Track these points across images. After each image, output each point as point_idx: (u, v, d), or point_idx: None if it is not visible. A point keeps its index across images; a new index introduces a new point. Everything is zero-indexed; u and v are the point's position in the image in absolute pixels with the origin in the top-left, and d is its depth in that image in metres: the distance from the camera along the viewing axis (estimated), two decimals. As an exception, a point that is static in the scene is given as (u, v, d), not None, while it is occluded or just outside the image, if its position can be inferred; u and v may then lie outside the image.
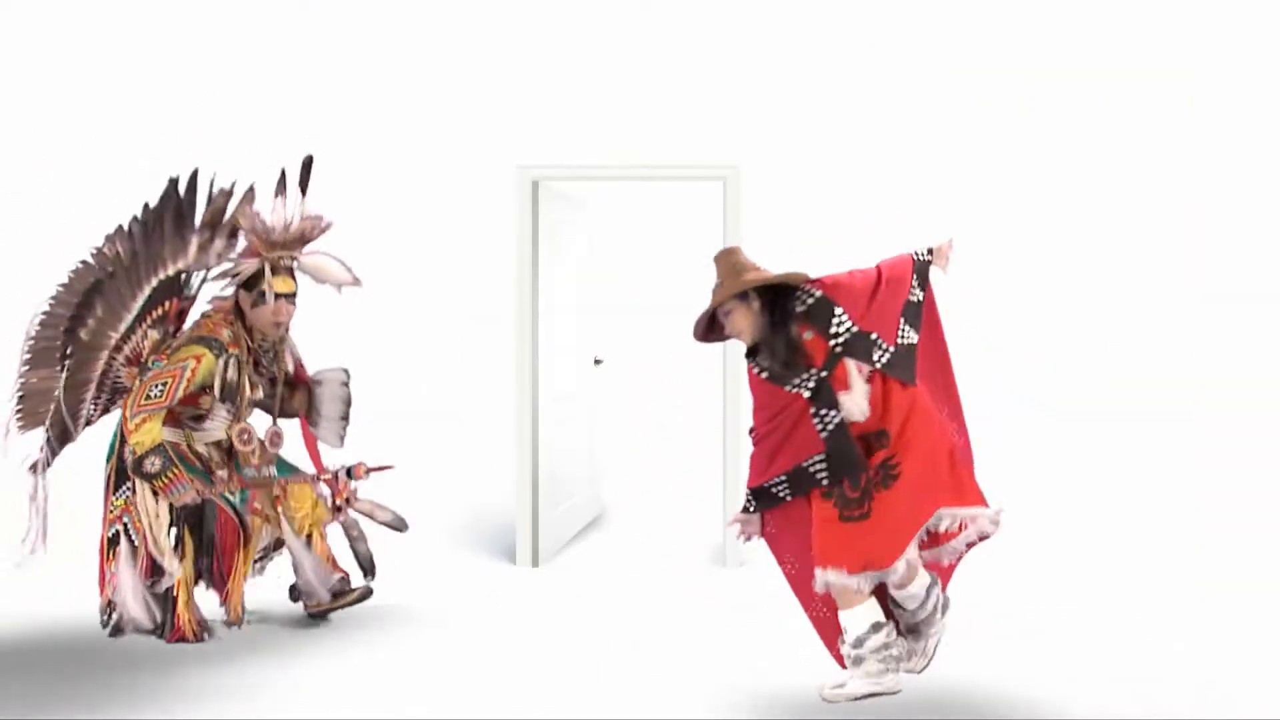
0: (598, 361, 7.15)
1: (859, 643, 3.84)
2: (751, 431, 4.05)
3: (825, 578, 3.77)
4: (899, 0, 6.26)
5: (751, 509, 4.07)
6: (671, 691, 4.00)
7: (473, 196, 6.50)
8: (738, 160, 5.93)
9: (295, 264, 4.56)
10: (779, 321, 3.95)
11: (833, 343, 3.88)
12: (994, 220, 6.16)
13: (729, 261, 4.03)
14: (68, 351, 4.34)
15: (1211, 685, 4.05)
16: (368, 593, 4.78)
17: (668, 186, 8.27)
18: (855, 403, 3.89)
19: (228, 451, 4.59)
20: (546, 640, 4.60)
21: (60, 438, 4.45)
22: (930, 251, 4.06)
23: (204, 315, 4.55)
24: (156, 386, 4.25)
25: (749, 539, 4.12)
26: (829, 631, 4.00)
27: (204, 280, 4.59)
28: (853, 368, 3.91)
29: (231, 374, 4.46)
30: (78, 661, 4.28)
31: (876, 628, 3.85)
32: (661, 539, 6.41)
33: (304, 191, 4.58)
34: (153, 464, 4.27)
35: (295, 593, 4.77)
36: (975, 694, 3.98)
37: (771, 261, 4.14)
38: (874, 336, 3.91)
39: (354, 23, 6.53)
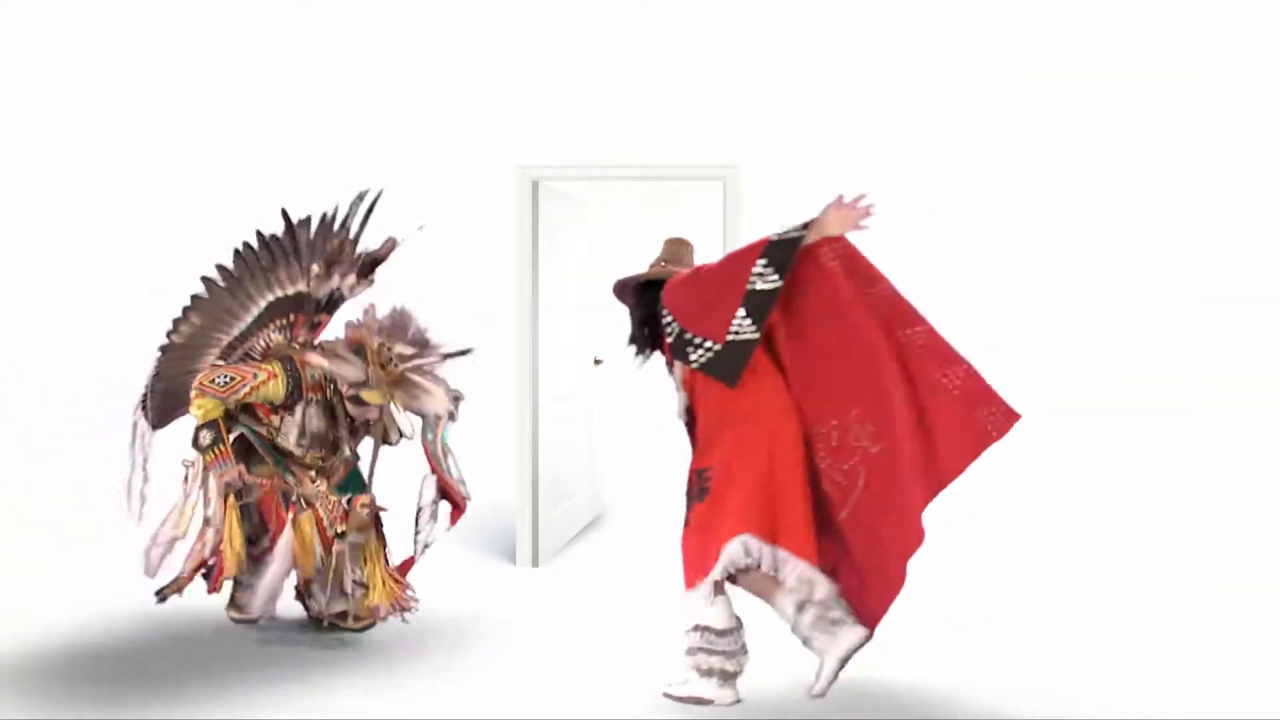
0: (598, 361, 7.15)
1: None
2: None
3: None
4: (899, 0, 6.26)
5: None
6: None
7: (473, 196, 6.50)
8: (738, 160, 5.93)
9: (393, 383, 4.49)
10: (642, 319, 4.04)
11: (670, 343, 3.89)
12: (994, 220, 6.17)
13: (665, 251, 4.18)
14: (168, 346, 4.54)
15: (1211, 685, 4.05)
16: (371, 624, 4.76)
17: (668, 186, 8.27)
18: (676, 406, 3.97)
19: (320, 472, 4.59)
20: (546, 640, 4.60)
21: (167, 407, 4.56)
22: (805, 226, 3.68)
23: (317, 344, 4.61)
24: (224, 376, 4.37)
25: None
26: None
27: (324, 303, 4.69)
28: (677, 370, 3.93)
29: (314, 418, 4.53)
30: (80, 659, 4.30)
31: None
32: (661, 539, 6.40)
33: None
34: (204, 437, 4.41)
35: (297, 593, 4.76)
36: (975, 694, 3.98)
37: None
38: (689, 335, 3.78)
39: (354, 23, 6.54)
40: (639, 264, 5.37)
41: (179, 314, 4.54)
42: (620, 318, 4.46)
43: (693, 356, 3.76)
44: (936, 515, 5.96)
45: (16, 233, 6.51)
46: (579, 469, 6.66)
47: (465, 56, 6.46)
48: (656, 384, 7.81)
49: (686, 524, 3.88)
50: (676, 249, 4.17)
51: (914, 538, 3.79)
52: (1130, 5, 6.21)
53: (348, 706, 3.89)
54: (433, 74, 6.48)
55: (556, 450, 6.20)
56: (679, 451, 7.68)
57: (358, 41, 6.54)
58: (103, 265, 6.51)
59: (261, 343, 4.60)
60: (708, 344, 3.72)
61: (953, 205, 6.16)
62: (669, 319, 3.84)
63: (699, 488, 3.82)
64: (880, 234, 5.07)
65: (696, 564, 3.80)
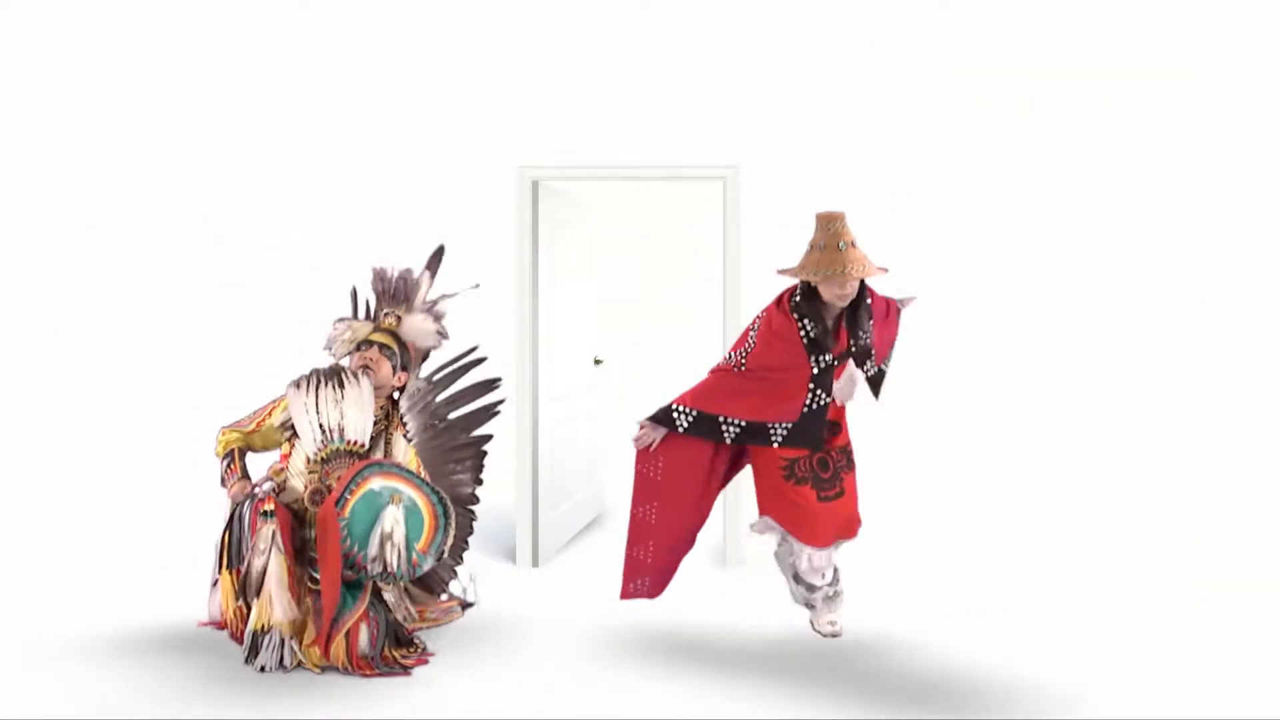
0: (598, 361, 7.15)
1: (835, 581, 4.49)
2: (735, 366, 4.36)
3: (810, 555, 4.38)
4: (899, 0, 6.26)
5: (675, 424, 4.37)
6: (671, 691, 4.01)
7: (473, 196, 6.50)
8: (738, 160, 5.93)
9: (396, 321, 4.77)
10: (857, 305, 4.32)
11: (853, 343, 4.32)
12: (994, 221, 6.16)
13: (827, 235, 4.30)
14: None
15: (1211, 685, 4.05)
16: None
17: (668, 186, 8.27)
18: (847, 392, 4.40)
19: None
20: (546, 640, 4.60)
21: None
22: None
23: None
24: (250, 412, 4.64)
25: (648, 446, 4.43)
26: (636, 572, 4.53)
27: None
28: (850, 367, 4.39)
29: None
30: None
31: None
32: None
33: (433, 274, 4.93)
34: (222, 467, 4.57)
35: None
36: (976, 693, 3.98)
37: (772, 260, 4.16)
38: (872, 351, 4.37)
39: (354, 22, 6.54)
40: (639, 264, 5.35)
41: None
42: (620, 319, 4.50)
43: (867, 367, 4.36)
44: (936, 515, 5.97)
45: (15, 233, 6.51)
46: (579, 469, 6.66)
47: (465, 56, 6.46)
48: (656, 384, 7.82)
49: (841, 494, 4.39)
50: (841, 229, 4.31)
51: None
52: (1130, 5, 6.20)
53: (346, 705, 3.89)
54: (433, 73, 6.48)
55: (556, 450, 6.20)
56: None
57: (358, 41, 6.53)
58: (101, 265, 6.51)
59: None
60: (873, 363, 4.39)
61: (953, 205, 6.16)
62: (869, 331, 4.32)
63: (848, 459, 4.46)
64: (880, 234, 5.09)
65: (852, 522, 4.46)
